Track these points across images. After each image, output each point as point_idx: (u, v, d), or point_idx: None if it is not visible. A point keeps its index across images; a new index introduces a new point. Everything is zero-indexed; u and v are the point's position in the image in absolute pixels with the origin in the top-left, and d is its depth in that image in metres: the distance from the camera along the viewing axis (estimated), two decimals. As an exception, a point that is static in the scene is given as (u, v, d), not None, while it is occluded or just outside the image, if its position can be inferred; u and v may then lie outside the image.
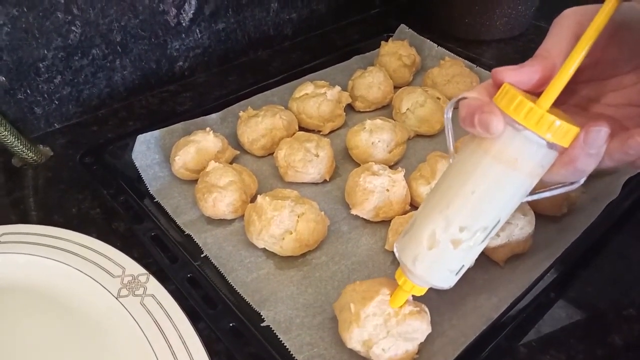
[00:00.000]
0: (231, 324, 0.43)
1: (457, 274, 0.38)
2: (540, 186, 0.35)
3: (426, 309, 0.43)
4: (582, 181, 0.34)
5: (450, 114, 0.37)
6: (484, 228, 0.35)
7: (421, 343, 0.42)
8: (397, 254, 0.39)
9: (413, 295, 0.41)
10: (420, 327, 0.41)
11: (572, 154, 0.31)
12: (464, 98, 0.34)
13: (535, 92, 0.33)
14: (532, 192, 0.35)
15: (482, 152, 0.34)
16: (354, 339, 0.41)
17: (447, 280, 0.38)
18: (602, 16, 0.30)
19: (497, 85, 0.33)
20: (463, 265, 0.37)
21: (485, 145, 0.34)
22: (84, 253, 0.49)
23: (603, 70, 0.36)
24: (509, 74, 0.33)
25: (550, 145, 0.32)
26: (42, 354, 0.43)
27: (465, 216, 0.35)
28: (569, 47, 0.32)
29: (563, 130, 0.31)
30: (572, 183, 0.35)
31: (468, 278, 0.49)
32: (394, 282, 0.43)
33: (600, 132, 0.30)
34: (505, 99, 0.32)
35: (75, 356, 0.42)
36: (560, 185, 0.35)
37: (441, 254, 0.36)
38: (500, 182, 0.34)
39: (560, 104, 0.32)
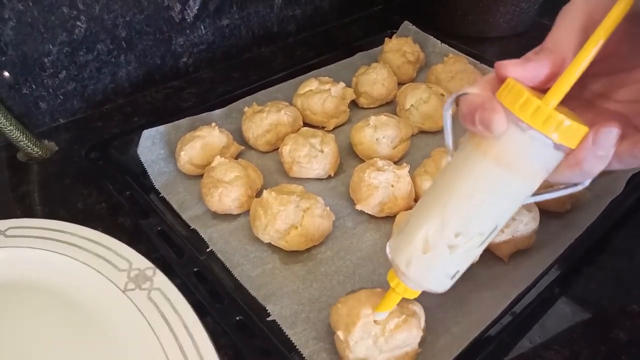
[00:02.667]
0: (238, 318, 0.43)
1: (452, 278, 0.36)
2: (544, 186, 0.33)
3: (416, 310, 0.42)
4: (587, 183, 0.33)
5: (449, 111, 0.35)
6: (480, 233, 0.34)
7: (425, 340, 0.43)
8: (389, 256, 0.37)
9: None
10: (409, 336, 0.40)
11: (579, 155, 0.30)
12: (465, 94, 0.32)
13: (540, 89, 0.31)
14: (535, 193, 0.34)
15: (480, 154, 0.32)
16: None
17: (441, 284, 0.36)
18: (616, 12, 0.28)
19: (501, 80, 0.31)
20: (458, 271, 0.36)
21: (484, 146, 0.32)
22: (90, 247, 0.49)
23: (613, 65, 0.34)
24: (513, 68, 0.31)
25: (557, 146, 0.30)
26: (49, 347, 0.43)
27: (461, 221, 0.33)
28: (577, 40, 0.30)
29: (572, 131, 0.29)
30: (576, 184, 0.33)
31: (472, 274, 0.49)
32: (376, 293, 0.42)
33: (611, 134, 0.29)
34: (510, 96, 0.30)
35: (82, 349, 0.43)
36: (564, 186, 0.34)
37: (436, 258, 0.34)
38: (499, 187, 0.32)
39: (567, 99, 0.30)
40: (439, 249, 0.34)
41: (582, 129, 0.29)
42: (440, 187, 0.35)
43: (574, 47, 0.30)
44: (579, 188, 0.33)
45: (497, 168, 0.31)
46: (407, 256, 0.35)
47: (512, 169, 0.31)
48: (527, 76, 0.31)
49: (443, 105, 0.66)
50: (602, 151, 0.29)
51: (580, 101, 0.35)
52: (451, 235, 0.33)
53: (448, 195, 0.34)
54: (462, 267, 0.36)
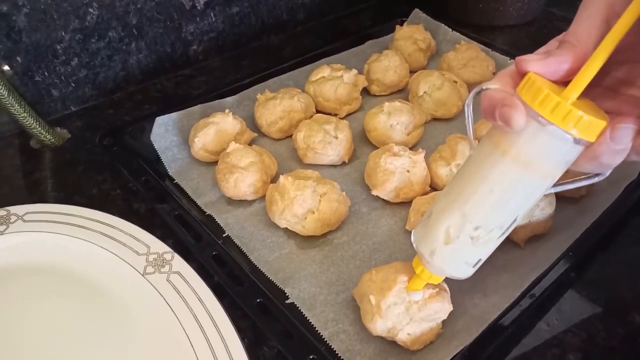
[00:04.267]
0: (258, 300, 0.44)
1: (474, 266, 0.38)
2: (564, 176, 0.34)
3: (446, 287, 0.43)
4: (607, 173, 0.33)
5: (471, 105, 0.36)
6: (500, 227, 0.35)
7: (444, 321, 0.43)
8: (414, 245, 0.39)
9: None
10: (442, 308, 0.42)
11: (597, 150, 0.30)
12: (486, 89, 0.33)
13: (561, 82, 0.32)
14: (555, 184, 0.34)
15: (499, 152, 0.33)
16: (379, 329, 0.41)
17: (464, 272, 0.38)
18: (637, 4, 0.28)
19: (521, 74, 0.32)
20: (480, 259, 0.37)
21: (503, 145, 0.32)
22: (108, 231, 0.49)
23: (637, 52, 0.33)
24: (534, 64, 0.31)
25: (577, 141, 0.30)
26: (69, 330, 0.43)
27: (481, 216, 0.35)
28: (599, 33, 0.30)
29: (590, 125, 0.29)
30: (596, 175, 0.34)
31: (489, 258, 0.48)
32: (410, 266, 0.43)
33: (627, 129, 0.29)
34: (530, 92, 0.30)
35: (102, 332, 0.43)
36: (584, 176, 0.34)
37: (457, 248, 0.36)
38: (518, 184, 0.33)
39: (590, 87, 0.30)
40: (460, 240, 0.36)
41: (601, 124, 0.30)
42: (460, 183, 0.36)
43: (595, 40, 0.30)
44: (600, 178, 0.34)
45: (515, 167, 0.32)
46: (430, 247, 0.37)
47: (531, 167, 0.32)
48: (548, 71, 0.31)
49: (457, 93, 0.66)
50: (619, 145, 0.30)
51: (603, 88, 0.35)
52: (471, 229, 0.35)
53: (468, 191, 0.35)
54: (484, 256, 0.38)
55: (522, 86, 0.31)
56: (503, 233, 0.36)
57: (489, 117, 0.32)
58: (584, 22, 0.31)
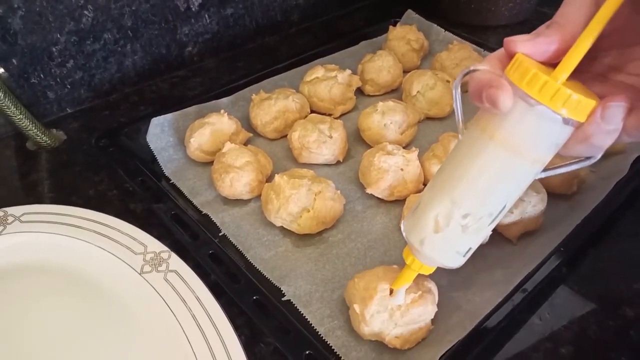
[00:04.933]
0: (255, 297, 0.44)
1: (464, 255, 0.37)
2: (555, 161, 0.34)
3: (432, 288, 0.43)
4: (598, 156, 0.33)
5: (459, 88, 0.36)
6: (489, 214, 0.35)
7: (437, 318, 0.43)
8: (404, 234, 0.38)
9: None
10: (425, 311, 0.42)
11: (587, 130, 0.30)
12: (475, 70, 0.32)
13: (551, 63, 0.31)
14: (546, 169, 0.34)
15: (487, 137, 0.32)
16: (367, 334, 0.42)
17: (454, 260, 0.38)
18: None
19: (510, 56, 0.32)
20: (470, 248, 0.37)
21: (490, 129, 0.32)
22: (105, 231, 0.50)
23: (625, 38, 0.33)
24: (523, 44, 0.31)
25: (566, 121, 0.30)
26: (67, 329, 0.43)
27: (470, 203, 0.34)
28: (587, 14, 0.30)
29: (580, 105, 0.29)
30: (587, 158, 0.33)
31: (482, 254, 0.49)
32: (393, 269, 0.44)
33: (619, 108, 0.29)
34: (518, 72, 0.30)
35: (100, 330, 0.43)
36: (575, 160, 0.34)
37: (447, 237, 0.36)
38: (506, 170, 0.33)
39: (579, 72, 0.30)
40: (450, 228, 0.35)
41: (591, 103, 0.29)
42: (449, 170, 0.36)
43: (584, 21, 0.30)
44: (591, 162, 0.33)
45: (504, 151, 0.32)
46: (420, 235, 0.37)
47: (520, 150, 0.32)
48: (536, 52, 0.31)
49: (450, 92, 0.67)
50: (610, 125, 0.29)
51: (592, 74, 0.35)
52: (460, 216, 0.35)
53: (456, 178, 0.35)
54: (474, 245, 0.37)
55: (510, 67, 0.31)
56: (493, 220, 0.35)
57: (476, 99, 0.32)
58: (573, 3, 0.31)
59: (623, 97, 0.29)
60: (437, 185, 0.36)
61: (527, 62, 0.30)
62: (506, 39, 0.32)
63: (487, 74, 0.32)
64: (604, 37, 0.30)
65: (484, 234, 0.37)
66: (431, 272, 0.40)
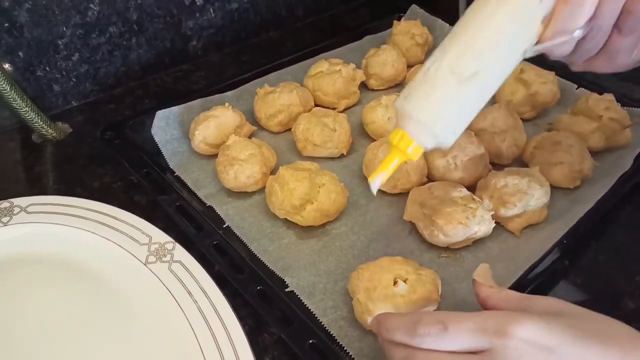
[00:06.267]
0: (259, 288, 0.45)
1: (454, 123, 0.38)
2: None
3: (434, 277, 0.44)
4: (578, 32, 0.36)
5: None
6: (474, 72, 0.36)
7: (441, 308, 0.44)
8: (397, 105, 0.38)
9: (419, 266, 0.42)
10: (428, 302, 0.42)
11: None
12: None
13: None
14: (539, 42, 0.37)
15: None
16: (370, 325, 0.41)
17: (443, 123, 0.37)
18: None
19: None
20: (458, 116, 0.38)
21: None
22: (110, 222, 0.50)
23: None
24: None
25: None
26: (73, 319, 0.44)
27: (458, 52, 0.36)
28: None
29: None
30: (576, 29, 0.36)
31: (485, 247, 0.50)
32: (396, 260, 0.44)
33: None
34: None
35: (106, 320, 0.44)
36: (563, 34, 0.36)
37: (434, 85, 0.36)
38: (506, 24, 0.35)
39: None
40: (438, 76, 0.36)
41: None
42: (451, 33, 0.38)
43: None
44: (579, 34, 0.36)
45: (502, 7, 0.35)
46: (406, 90, 0.38)
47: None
48: None
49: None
50: None
51: None
52: (448, 67, 0.36)
53: (452, 33, 0.37)
54: (463, 111, 0.38)
55: None
56: (484, 86, 0.37)
57: None
58: None
59: None
60: (442, 45, 0.38)
61: None
62: None
63: None
64: None
65: (473, 104, 0.38)
66: (417, 158, 0.39)
